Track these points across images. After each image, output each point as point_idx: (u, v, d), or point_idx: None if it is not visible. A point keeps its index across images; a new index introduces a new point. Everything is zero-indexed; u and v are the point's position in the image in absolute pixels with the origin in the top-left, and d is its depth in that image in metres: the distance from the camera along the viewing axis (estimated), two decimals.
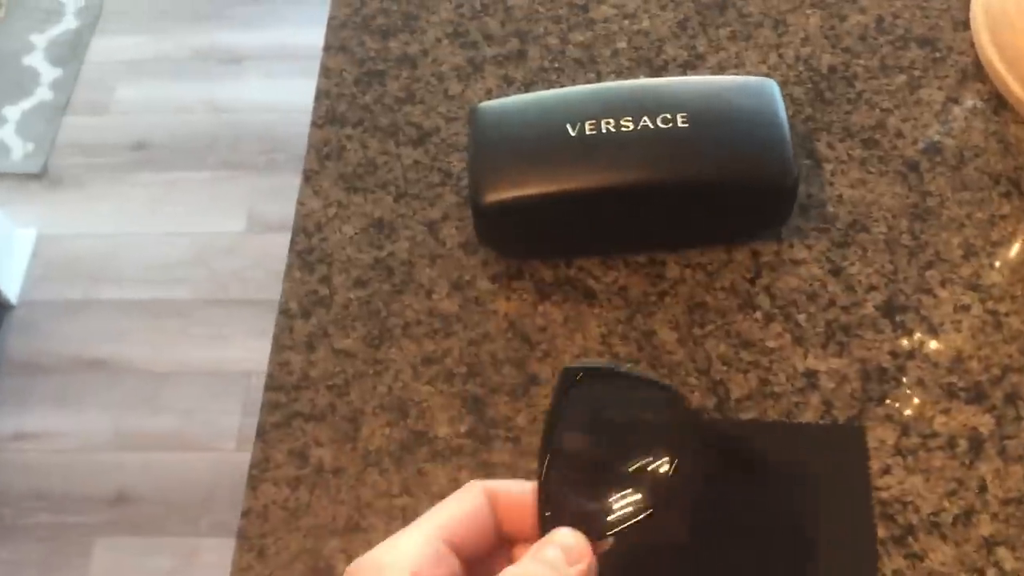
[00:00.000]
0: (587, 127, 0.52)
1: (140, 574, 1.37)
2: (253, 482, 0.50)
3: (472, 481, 0.37)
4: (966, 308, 0.53)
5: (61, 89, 1.83)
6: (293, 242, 0.57)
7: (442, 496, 0.37)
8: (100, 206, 1.70)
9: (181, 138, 1.76)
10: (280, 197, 1.67)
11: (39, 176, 1.73)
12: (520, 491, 0.37)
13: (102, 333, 1.56)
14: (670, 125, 0.52)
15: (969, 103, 0.60)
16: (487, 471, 0.50)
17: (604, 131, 0.52)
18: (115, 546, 1.38)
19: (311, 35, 1.82)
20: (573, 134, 0.52)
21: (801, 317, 0.53)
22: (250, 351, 1.51)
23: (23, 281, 1.61)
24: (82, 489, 1.43)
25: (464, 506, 0.36)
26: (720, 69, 0.62)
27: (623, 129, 0.52)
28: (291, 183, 1.75)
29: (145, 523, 1.39)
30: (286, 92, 1.79)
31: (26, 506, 1.42)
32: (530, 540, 0.36)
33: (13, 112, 1.81)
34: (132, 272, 1.62)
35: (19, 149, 1.76)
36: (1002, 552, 0.46)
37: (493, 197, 0.52)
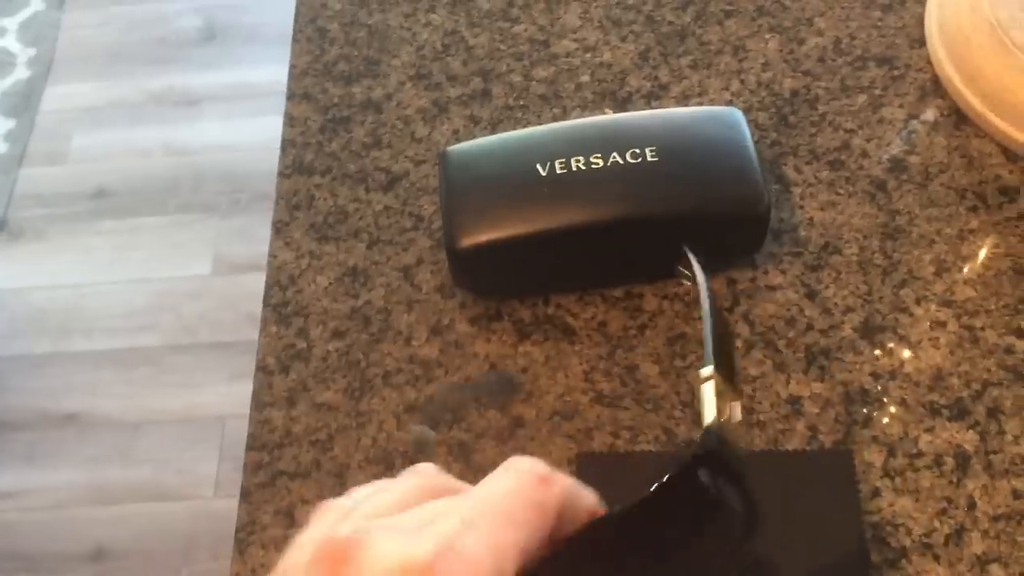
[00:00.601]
0: (557, 166, 0.52)
1: None
2: (240, 546, 0.49)
3: (559, 485, 0.31)
4: (942, 324, 0.53)
5: (16, 140, 1.81)
6: (267, 296, 0.57)
7: None
8: (62, 257, 1.68)
9: (141, 183, 1.75)
10: (245, 238, 1.66)
11: None
12: (583, 508, 0.32)
13: (71, 386, 1.54)
14: (639, 160, 0.52)
15: (930, 119, 0.61)
16: None
17: (575, 169, 0.52)
18: None
19: (267, 74, 1.84)
20: (544, 174, 0.52)
21: (781, 343, 0.53)
22: (222, 395, 1.50)
23: None
24: (59, 547, 1.40)
25: (541, 533, 0.31)
26: (684, 98, 0.62)
27: (593, 166, 0.52)
28: (255, 223, 1.75)
29: None
30: (245, 132, 1.78)
31: (3, 567, 1.39)
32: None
33: None
34: (99, 322, 1.60)
35: None
36: (995, 570, 0.46)
37: (468, 241, 0.52)
